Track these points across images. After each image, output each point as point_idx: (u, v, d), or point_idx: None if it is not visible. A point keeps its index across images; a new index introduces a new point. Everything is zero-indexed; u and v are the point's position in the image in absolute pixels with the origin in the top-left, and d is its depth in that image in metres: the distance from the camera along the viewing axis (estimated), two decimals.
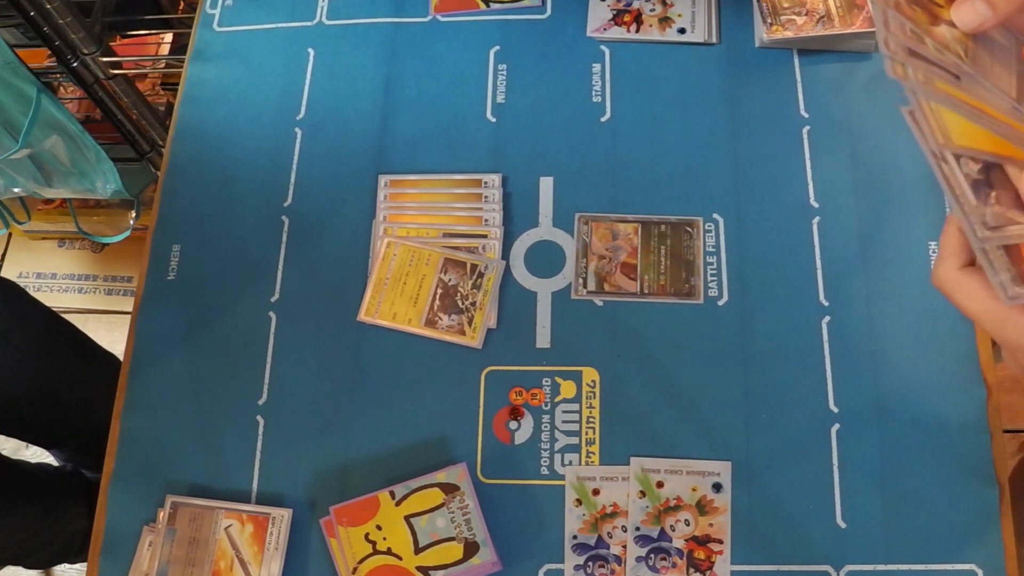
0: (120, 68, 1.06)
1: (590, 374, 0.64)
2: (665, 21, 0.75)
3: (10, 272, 1.53)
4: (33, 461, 1.09)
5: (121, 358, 0.68)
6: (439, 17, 0.77)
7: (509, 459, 0.63)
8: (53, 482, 1.05)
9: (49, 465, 1.10)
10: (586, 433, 0.63)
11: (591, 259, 0.67)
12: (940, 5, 0.36)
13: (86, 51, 1.01)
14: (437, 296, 0.67)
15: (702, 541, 0.60)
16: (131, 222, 1.27)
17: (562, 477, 0.62)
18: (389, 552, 0.59)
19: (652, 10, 0.75)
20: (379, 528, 0.60)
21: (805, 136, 0.70)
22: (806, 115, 0.71)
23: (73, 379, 0.98)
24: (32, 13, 0.94)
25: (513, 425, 0.63)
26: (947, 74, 0.34)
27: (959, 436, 0.61)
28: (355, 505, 0.60)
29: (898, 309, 0.64)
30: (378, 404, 0.65)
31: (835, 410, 0.62)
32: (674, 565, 0.59)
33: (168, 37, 1.22)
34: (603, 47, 0.75)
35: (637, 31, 0.74)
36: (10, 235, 1.55)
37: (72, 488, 1.06)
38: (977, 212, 0.33)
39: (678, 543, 0.60)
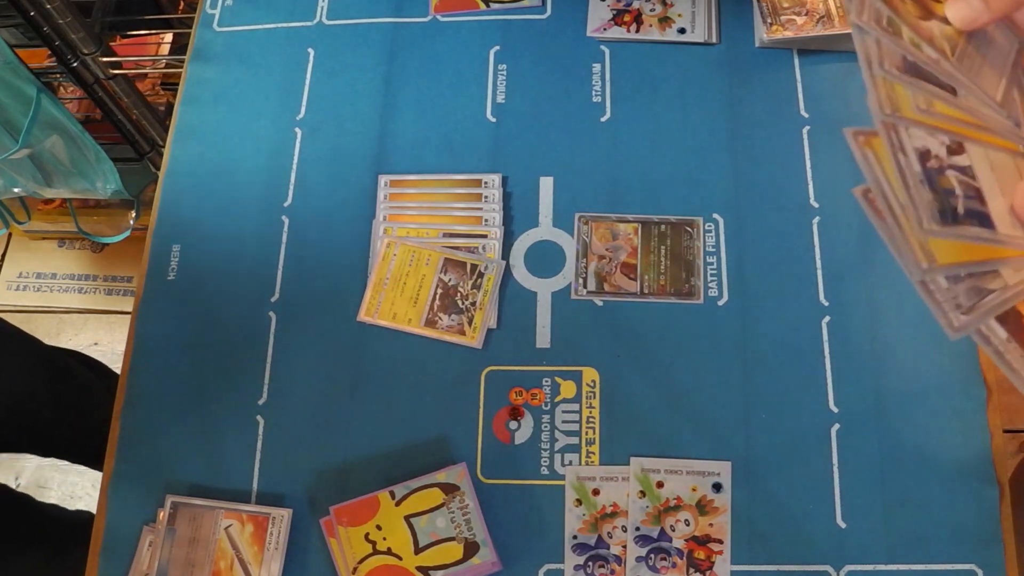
0: (120, 68, 1.06)
1: (590, 374, 0.64)
2: (665, 21, 0.75)
3: (10, 272, 1.53)
4: (49, 502, 1.08)
5: (121, 358, 0.68)
6: (439, 17, 0.77)
7: (509, 459, 0.63)
8: (65, 526, 1.03)
9: (65, 509, 1.09)
10: (586, 433, 0.63)
11: (591, 259, 0.67)
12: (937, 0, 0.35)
13: (86, 51, 1.01)
14: (437, 296, 0.67)
15: (702, 541, 0.60)
16: (131, 222, 1.27)
17: (562, 477, 0.62)
18: (389, 552, 0.59)
19: (652, 10, 0.75)
20: (379, 528, 0.60)
21: (805, 136, 0.70)
22: (806, 115, 0.71)
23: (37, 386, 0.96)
24: (32, 13, 0.94)
25: (513, 425, 0.63)
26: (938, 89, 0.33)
27: (959, 436, 0.61)
28: (355, 505, 0.60)
29: (898, 309, 0.64)
30: (378, 404, 0.65)
31: (835, 410, 0.62)
32: (674, 565, 0.59)
33: (168, 37, 1.22)
34: (603, 47, 0.75)
35: (637, 31, 0.74)
36: (10, 235, 1.55)
37: (84, 535, 1.05)
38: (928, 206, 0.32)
39: (678, 543, 0.60)
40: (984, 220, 0.32)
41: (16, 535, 0.95)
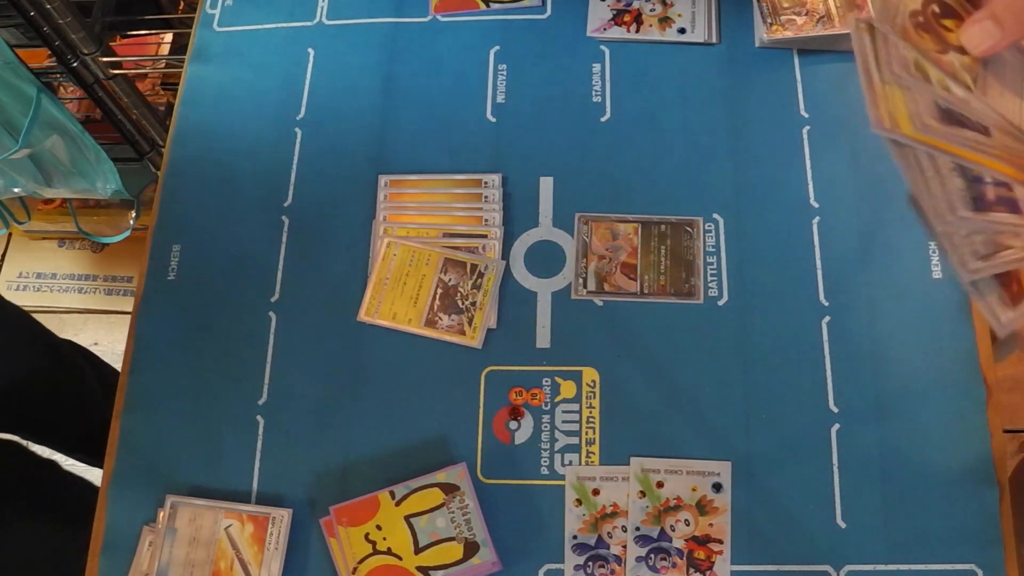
0: (120, 68, 1.07)
1: (590, 374, 0.64)
2: (665, 21, 0.75)
3: (10, 272, 1.53)
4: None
5: (121, 358, 0.68)
6: (439, 17, 0.77)
7: (509, 459, 0.63)
8: (89, 496, 1.03)
9: (90, 482, 1.09)
10: (586, 433, 0.63)
11: (591, 259, 0.67)
12: (949, 29, 0.35)
13: (86, 51, 1.01)
14: (437, 296, 0.67)
15: (702, 541, 0.60)
16: (131, 222, 1.27)
17: (562, 477, 0.62)
18: (389, 552, 0.59)
19: (652, 10, 0.75)
20: (379, 528, 0.60)
21: (805, 136, 0.70)
22: (806, 115, 0.71)
23: (39, 373, 0.96)
24: (32, 13, 0.94)
25: (513, 425, 0.63)
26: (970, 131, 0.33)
27: (959, 436, 0.61)
28: (355, 505, 0.60)
29: (898, 309, 0.64)
30: (378, 404, 0.65)
31: (835, 410, 0.62)
32: (674, 565, 0.59)
33: (168, 37, 1.22)
34: (603, 47, 0.75)
35: (637, 31, 0.74)
36: (10, 235, 1.55)
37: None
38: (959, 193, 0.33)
39: (678, 543, 0.60)
40: (1013, 206, 0.33)
41: (37, 495, 0.94)
